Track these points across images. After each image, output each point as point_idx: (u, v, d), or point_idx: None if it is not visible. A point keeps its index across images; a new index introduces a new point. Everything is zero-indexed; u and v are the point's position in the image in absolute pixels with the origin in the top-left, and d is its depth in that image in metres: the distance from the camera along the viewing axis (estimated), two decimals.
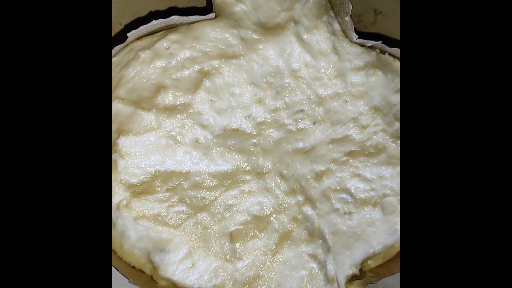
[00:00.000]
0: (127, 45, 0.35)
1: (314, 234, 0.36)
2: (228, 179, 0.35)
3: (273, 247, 0.35)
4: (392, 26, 0.40)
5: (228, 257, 0.35)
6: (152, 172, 0.34)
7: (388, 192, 0.37)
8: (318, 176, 0.36)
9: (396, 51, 0.37)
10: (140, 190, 0.34)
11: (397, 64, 0.38)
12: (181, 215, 0.34)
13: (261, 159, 0.36)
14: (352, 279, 0.37)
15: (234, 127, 0.35)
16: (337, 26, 0.35)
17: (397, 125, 0.37)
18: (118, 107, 0.33)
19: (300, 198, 0.36)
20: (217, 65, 0.34)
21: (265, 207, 0.35)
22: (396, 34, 0.40)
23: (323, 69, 0.35)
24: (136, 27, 0.33)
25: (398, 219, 0.38)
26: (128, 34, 0.33)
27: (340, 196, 0.37)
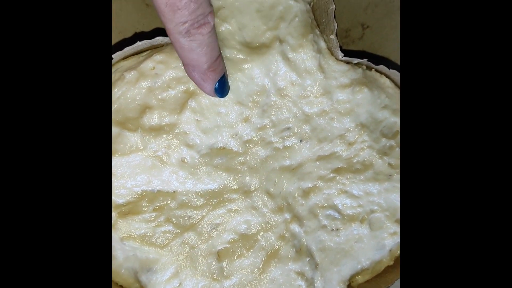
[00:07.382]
0: (112, 65, 0.34)
1: (302, 251, 0.36)
2: (215, 198, 0.35)
3: (260, 266, 0.35)
4: (380, 41, 0.40)
5: (215, 276, 0.35)
6: (139, 192, 0.34)
7: (375, 208, 0.38)
8: (305, 193, 0.37)
9: (382, 68, 0.37)
10: (127, 210, 0.34)
11: (383, 80, 0.38)
12: (168, 234, 0.34)
13: (248, 178, 0.36)
14: None
15: (221, 145, 0.35)
16: (322, 44, 0.35)
17: (383, 141, 0.38)
18: None
19: (287, 215, 0.36)
20: None
21: (252, 226, 0.36)
22: (383, 49, 0.40)
23: (309, 87, 0.35)
24: (121, 48, 0.33)
25: (386, 235, 0.38)
26: (112, 56, 0.33)
27: (328, 212, 0.37)
